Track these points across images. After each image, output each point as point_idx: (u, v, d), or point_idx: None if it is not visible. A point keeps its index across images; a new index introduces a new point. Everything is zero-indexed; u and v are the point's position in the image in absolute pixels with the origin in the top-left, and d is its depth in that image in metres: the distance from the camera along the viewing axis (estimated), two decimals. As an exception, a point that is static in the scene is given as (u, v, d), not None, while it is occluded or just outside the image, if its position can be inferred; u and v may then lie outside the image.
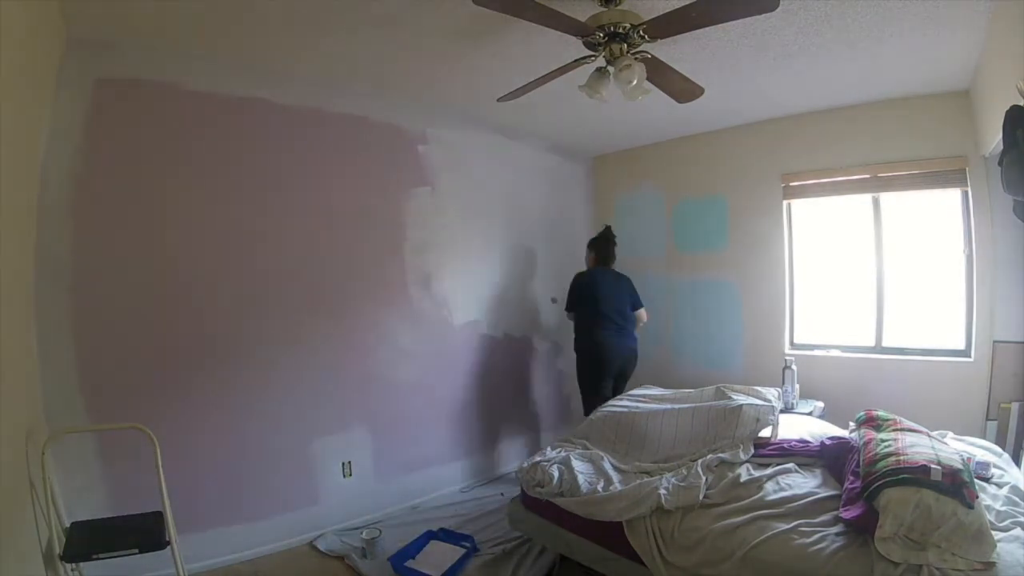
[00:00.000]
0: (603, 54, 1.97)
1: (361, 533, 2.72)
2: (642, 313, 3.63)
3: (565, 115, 3.52)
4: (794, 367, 3.19)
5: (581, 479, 2.24)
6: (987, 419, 2.88)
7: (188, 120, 2.52)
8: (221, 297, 2.61)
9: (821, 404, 3.21)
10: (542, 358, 4.19)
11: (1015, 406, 2.77)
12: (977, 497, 1.56)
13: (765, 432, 2.39)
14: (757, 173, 3.75)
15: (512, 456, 3.85)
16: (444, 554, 2.59)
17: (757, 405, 2.47)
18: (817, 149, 3.49)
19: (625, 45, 1.92)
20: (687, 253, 4.15)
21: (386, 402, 3.18)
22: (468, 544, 2.68)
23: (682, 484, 2.06)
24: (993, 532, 1.55)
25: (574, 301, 3.58)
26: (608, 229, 3.72)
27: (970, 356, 3.03)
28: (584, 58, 2.05)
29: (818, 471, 2.13)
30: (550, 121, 3.69)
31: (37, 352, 2.09)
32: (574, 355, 3.58)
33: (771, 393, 2.68)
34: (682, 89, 2.30)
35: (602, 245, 3.66)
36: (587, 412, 3.17)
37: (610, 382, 3.47)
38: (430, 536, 2.77)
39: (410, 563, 2.53)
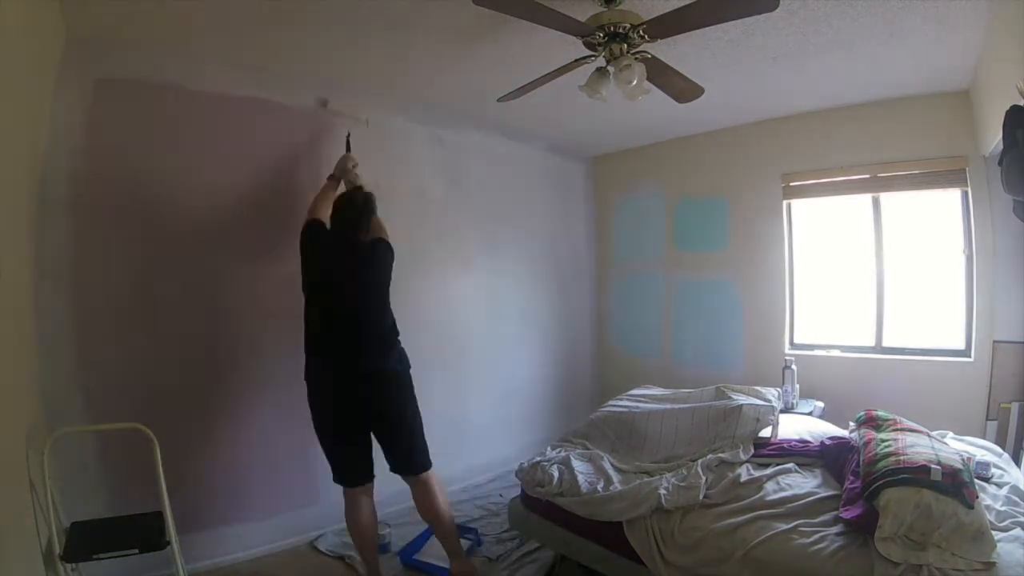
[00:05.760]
0: (603, 54, 1.97)
1: None
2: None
3: (565, 115, 3.52)
4: (794, 367, 3.19)
5: (581, 479, 2.24)
6: (987, 419, 2.88)
7: (188, 120, 2.51)
8: (221, 297, 2.60)
9: (821, 404, 3.21)
10: (541, 357, 4.19)
11: (1015, 406, 2.77)
12: (977, 497, 1.57)
13: (765, 432, 2.39)
14: (757, 173, 3.75)
15: (512, 456, 3.84)
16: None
17: (757, 405, 2.47)
18: (817, 149, 3.49)
19: (625, 45, 1.91)
20: (687, 253, 4.15)
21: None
22: (472, 536, 2.72)
23: (682, 484, 2.06)
24: (993, 532, 1.55)
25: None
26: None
27: (970, 356, 3.03)
28: (584, 58, 2.05)
29: (818, 471, 2.13)
30: (550, 121, 3.69)
31: (37, 352, 2.09)
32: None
33: (771, 393, 2.68)
34: (682, 89, 2.30)
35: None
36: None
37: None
38: (433, 530, 2.79)
39: (418, 556, 2.56)
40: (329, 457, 2.29)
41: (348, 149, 2.76)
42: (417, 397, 2.44)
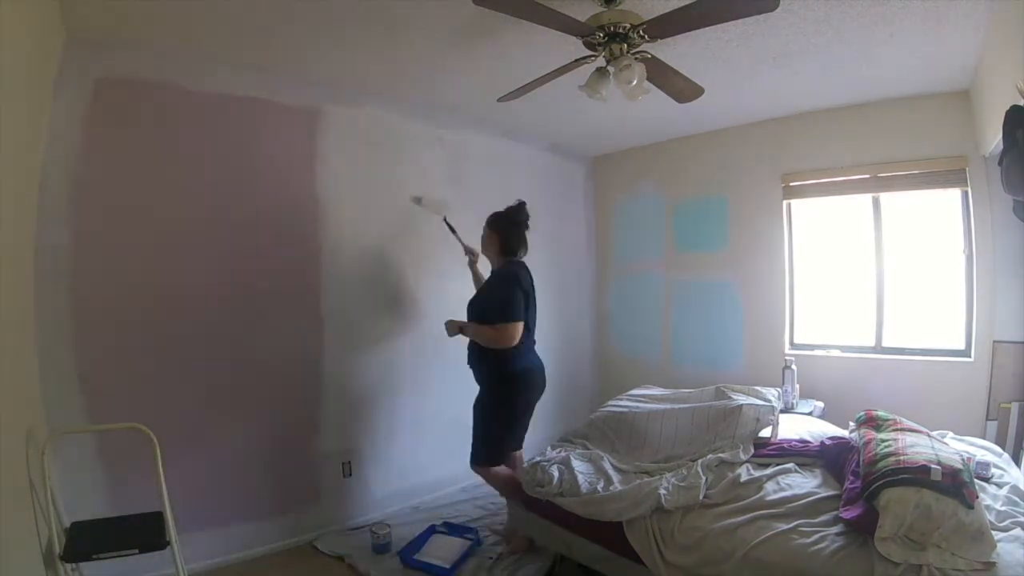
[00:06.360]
0: (603, 54, 1.97)
1: (371, 527, 2.73)
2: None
3: (565, 115, 3.52)
4: (794, 367, 3.19)
5: (581, 479, 2.24)
6: (987, 419, 2.88)
7: (188, 120, 2.51)
8: (222, 297, 2.60)
9: (821, 404, 3.21)
10: (541, 357, 4.18)
11: (1015, 406, 2.77)
12: (977, 497, 1.56)
13: (765, 432, 2.39)
14: (757, 173, 3.75)
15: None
16: (449, 546, 2.61)
17: (757, 405, 2.47)
18: (817, 149, 3.49)
19: (625, 45, 1.92)
20: (687, 253, 4.15)
21: (387, 403, 3.18)
22: (472, 536, 2.72)
23: (682, 484, 2.06)
24: (993, 532, 1.55)
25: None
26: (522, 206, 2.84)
27: (970, 356, 3.03)
28: (584, 58, 2.05)
29: (818, 471, 2.13)
30: (550, 121, 3.69)
31: (37, 352, 2.09)
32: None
33: (771, 393, 2.68)
34: (682, 89, 2.31)
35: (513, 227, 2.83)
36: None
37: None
38: (433, 530, 2.80)
39: (418, 555, 2.56)
40: (512, 440, 2.71)
41: (454, 232, 3.11)
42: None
